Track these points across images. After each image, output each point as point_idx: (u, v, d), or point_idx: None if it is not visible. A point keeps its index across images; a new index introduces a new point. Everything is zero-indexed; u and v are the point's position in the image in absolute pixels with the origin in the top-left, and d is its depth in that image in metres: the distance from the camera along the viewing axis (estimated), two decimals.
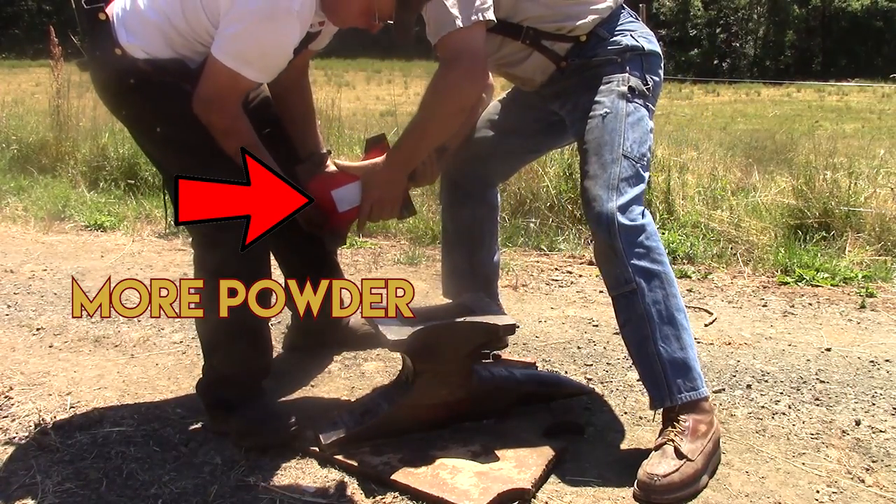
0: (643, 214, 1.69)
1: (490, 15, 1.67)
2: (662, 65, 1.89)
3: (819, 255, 3.21)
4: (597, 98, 1.78)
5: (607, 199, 1.66)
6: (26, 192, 4.61)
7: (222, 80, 1.59)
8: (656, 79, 1.85)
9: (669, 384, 1.64)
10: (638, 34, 1.83)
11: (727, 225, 3.57)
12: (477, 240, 2.15)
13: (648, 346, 1.65)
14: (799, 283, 3.01)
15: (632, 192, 1.69)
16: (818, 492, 1.58)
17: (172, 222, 3.77)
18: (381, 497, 1.54)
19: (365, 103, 13.94)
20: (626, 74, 1.79)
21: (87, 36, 1.69)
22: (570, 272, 3.19)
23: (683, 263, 3.26)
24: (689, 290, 2.94)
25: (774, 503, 1.54)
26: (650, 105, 1.82)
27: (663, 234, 3.47)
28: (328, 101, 5.14)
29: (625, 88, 1.77)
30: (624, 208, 1.66)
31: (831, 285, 2.98)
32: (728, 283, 3.05)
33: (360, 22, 1.68)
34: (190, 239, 1.84)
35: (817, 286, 2.98)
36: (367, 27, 1.69)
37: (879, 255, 3.25)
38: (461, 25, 1.63)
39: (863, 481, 1.62)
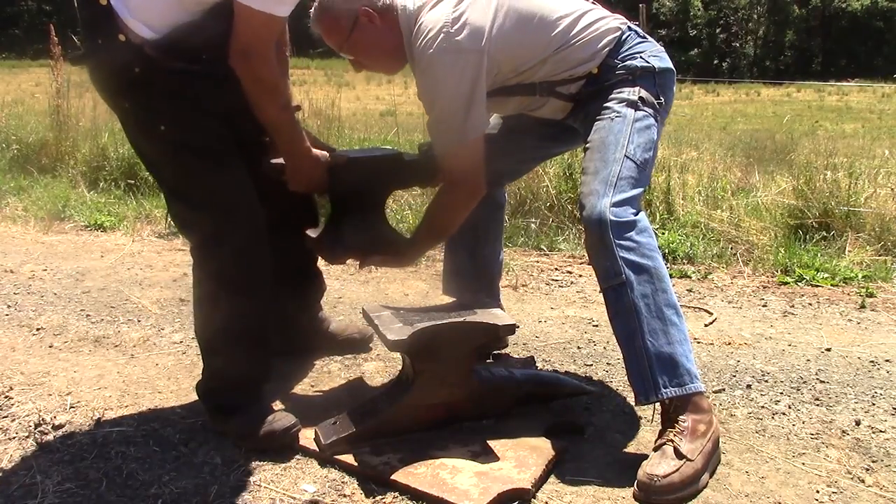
0: (636, 213, 1.70)
1: (483, 129, 1.77)
2: (675, 80, 1.92)
3: (819, 255, 3.21)
4: (606, 104, 1.81)
5: (603, 193, 1.67)
6: (26, 192, 4.61)
7: (257, 26, 1.53)
8: (669, 94, 1.88)
9: (655, 379, 1.64)
10: (648, 54, 1.85)
11: (727, 225, 3.57)
12: (481, 238, 2.15)
13: (636, 339, 1.66)
14: (799, 283, 3.01)
15: (629, 192, 1.70)
16: (818, 492, 1.58)
17: (172, 225, 3.78)
18: (381, 497, 1.54)
19: (365, 103, 13.95)
20: (638, 87, 1.81)
21: (87, 25, 1.60)
22: (570, 272, 3.19)
23: (683, 263, 3.26)
24: (689, 290, 2.94)
25: (774, 503, 1.54)
26: (659, 118, 1.84)
27: (663, 234, 3.47)
28: (328, 101, 5.13)
29: (635, 98, 1.80)
30: (618, 204, 1.67)
31: (831, 285, 2.98)
32: (728, 283, 3.05)
33: None
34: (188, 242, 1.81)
35: (817, 286, 2.98)
36: None
37: (879, 255, 3.25)
38: (458, 144, 1.76)
39: (863, 481, 1.62)
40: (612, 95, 1.81)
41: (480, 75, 1.72)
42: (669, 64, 1.88)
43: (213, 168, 1.62)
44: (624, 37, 1.86)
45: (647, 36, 1.93)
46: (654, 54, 1.86)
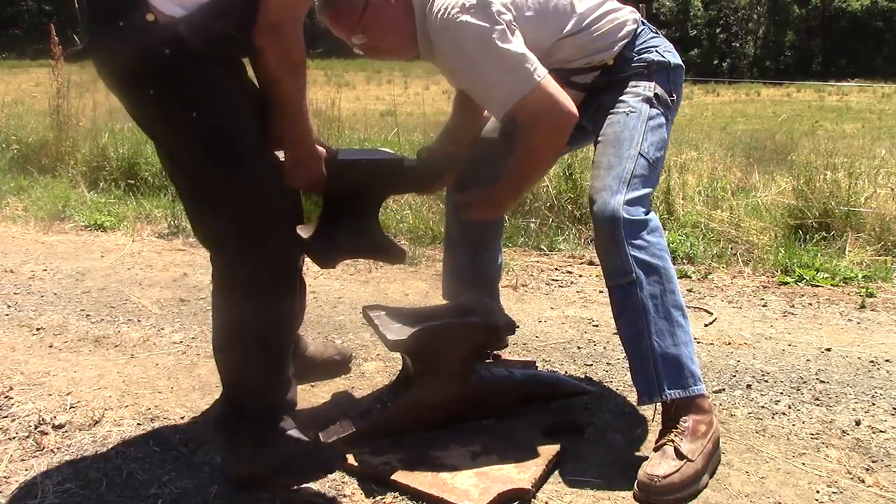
0: (647, 212, 1.70)
1: (542, 71, 1.64)
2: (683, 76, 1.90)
3: (819, 255, 3.21)
4: (621, 98, 1.79)
5: (617, 190, 1.66)
6: (26, 192, 4.61)
7: None
8: (679, 91, 1.87)
9: (659, 380, 1.63)
10: (662, 49, 1.85)
11: (727, 225, 3.57)
12: (482, 242, 2.14)
13: (643, 339, 1.65)
14: (799, 283, 3.01)
15: (641, 191, 1.69)
16: (818, 492, 1.58)
17: (173, 225, 3.77)
18: (381, 497, 1.54)
19: (365, 103, 13.96)
20: (653, 83, 1.80)
21: (101, 7, 1.43)
22: (570, 272, 3.19)
23: (683, 263, 3.26)
24: (689, 290, 2.94)
25: (774, 503, 1.54)
26: (670, 117, 1.83)
27: None
28: (328, 102, 5.13)
29: (651, 94, 1.78)
30: (631, 203, 1.66)
31: (831, 285, 2.98)
32: (728, 283, 3.05)
33: None
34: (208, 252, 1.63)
35: (817, 286, 2.98)
36: None
37: (879, 255, 3.25)
38: (526, 92, 1.62)
39: (863, 481, 1.62)
40: (627, 89, 1.80)
41: (513, 22, 1.65)
42: (680, 61, 1.88)
43: (249, 161, 1.50)
44: (639, 30, 1.85)
45: (659, 32, 1.92)
46: (668, 49, 1.86)
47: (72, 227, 4.00)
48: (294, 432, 1.60)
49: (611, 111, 1.78)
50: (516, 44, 1.64)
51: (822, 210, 3.50)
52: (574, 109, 1.67)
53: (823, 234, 3.40)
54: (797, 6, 46.27)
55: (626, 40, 1.82)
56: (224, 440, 1.64)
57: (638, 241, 1.65)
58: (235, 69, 1.54)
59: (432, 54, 1.76)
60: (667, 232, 3.50)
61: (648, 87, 1.79)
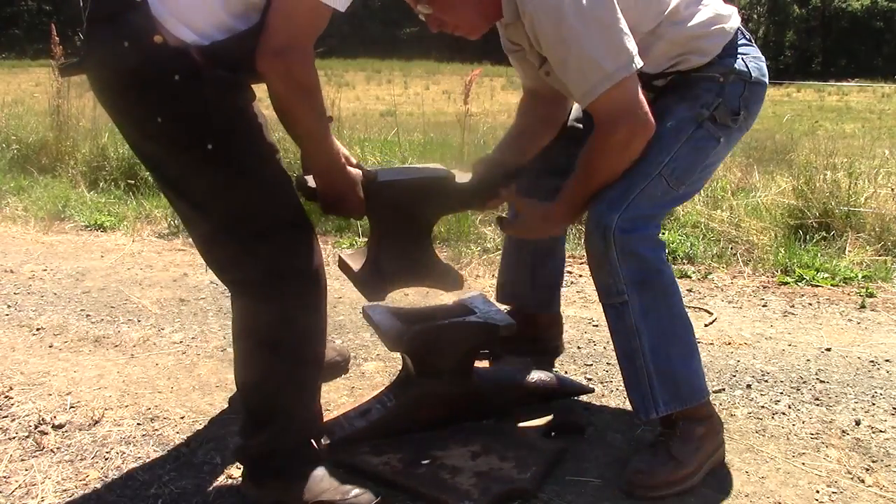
0: (646, 228, 1.57)
1: (640, 61, 1.48)
2: (764, 95, 1.69)
3: (819, 255, 3.21)
4: (672, 106, 1.61)
5: (617, 205, 1.53)
6: (26, 192, 4.61)
7: (302, 19, 1.32)
8: (753, 108, 1.66)
9: (655, 396, 1.58)
10: (749, 58, 1.64)
11: (727, 225, 3.56)
12: (540, 248, 2.04)
13: (637, 359, 1.58)
14: (799, 283, 3.01)
15: (646, 211, 1.55)
16: (818, 492, 1.58)
17: (173, 225, 3.76)
18: (381, 497, 1.54)
19: (365, 103, 13.95)
20: (721, 99, 1.60)
21: (104, 25, 1.32)
22: (570, 272, 3.19)
23: (683, 263, 3.26)
24: (689, 290, 2.94)
25: (774, 503, 1.54)
26: (725, 139, 1.63)
27: (663, 234, 3.46)
28: (328, 102, 5.13)
29: (707, 113, 1.59)
30: (629, 220, 1.53)
31: (831, 285, 2.98)
32: (728, 283, 3.05)
33: None
34: (224, 287, 1.53)
35: (817, 286, 2.98)
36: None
37: (879, 255, 3.25)
38: (620, 79, 1.46)
39: (863, 481, 1.62)
40: (688, 96, 1.61)
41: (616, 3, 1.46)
42: (766, 77, 1.66)
43: (271, 189, 1.43)
44: (736, 33, 1.65)
45: (753, 41, 1.70)
46: (755, 60, 1.65)
47: (72, 227, 4.00)
48: (319, 472, 1.51)
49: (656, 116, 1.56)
50: (623, 22, 1.46)
51: (822, 210, 3.50)
52: (652, 125, 1.52)
53: (823, 234, 3.40)
54: (797, 6, 46.28)
55: (723, 49, 1.61)
56: (247, 475, 1.55)
57: (631, 259, 1.53)
58: (249, 95, 1.46)
59: (517, 22, 1.56)
60: (667, 232, 3.50)
61: (710, 104, 1.59)
